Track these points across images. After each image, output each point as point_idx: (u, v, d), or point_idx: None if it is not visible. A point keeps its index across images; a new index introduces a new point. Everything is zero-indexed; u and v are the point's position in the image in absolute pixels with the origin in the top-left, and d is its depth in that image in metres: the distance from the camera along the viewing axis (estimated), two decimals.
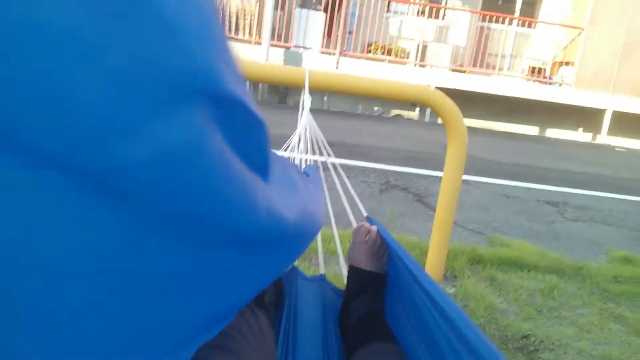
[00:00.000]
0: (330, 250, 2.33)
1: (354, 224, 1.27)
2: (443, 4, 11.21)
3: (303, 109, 1.70)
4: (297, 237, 0.56)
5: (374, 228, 1.18)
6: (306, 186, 0.61)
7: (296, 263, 1.39)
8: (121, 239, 0.33)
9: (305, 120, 1.64)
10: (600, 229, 3.66)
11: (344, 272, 1.37)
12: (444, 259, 2.37)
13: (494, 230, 3.29)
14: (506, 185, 4.69)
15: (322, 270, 1.37)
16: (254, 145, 0.39)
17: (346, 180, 1.56)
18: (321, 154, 1.57)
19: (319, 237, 1.50)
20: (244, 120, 0.37)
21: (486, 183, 4.64)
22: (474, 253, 2.64)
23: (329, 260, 2.31)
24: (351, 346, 1.07)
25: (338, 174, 1.57)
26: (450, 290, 2.30)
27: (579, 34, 10.17)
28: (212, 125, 0.33)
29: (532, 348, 1.92)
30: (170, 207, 0.33)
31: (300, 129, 1.61)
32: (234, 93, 0.34)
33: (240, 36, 9.41)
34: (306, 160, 1.60)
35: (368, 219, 1.24)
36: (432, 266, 2.36)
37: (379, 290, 1.16)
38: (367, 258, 1.17)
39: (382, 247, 1.18)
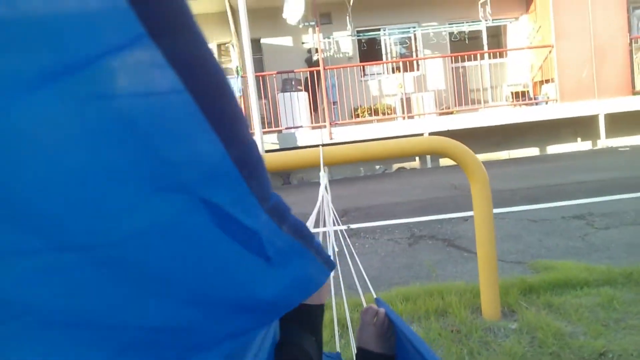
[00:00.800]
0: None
1: (364, 303, 1.31)
2: (414, 56, 11.64)
3: (322, 185, 1.78)
4: (274, 308, 0.61)
5: (382, 310, 1.21)
6: (312, 261, 0.64)
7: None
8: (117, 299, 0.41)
9: (323, 195, 1.70)
10: (634, 231, 3.66)
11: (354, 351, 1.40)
12: (497, 296, 2.37)
13: (534, 257, 3.29)
14: (528, 210, 4.72)
15: (337, 348, 1.39)
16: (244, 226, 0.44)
17: (353, 251, 1.60)
18: (339, 223, 1.63)
19: (334, 312, 1.53)
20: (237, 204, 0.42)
21: (509, 212, 4.67)
22: (524, 284, 2.63)
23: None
24: None
25: (356, 241, 1.61)
26: (513, 325, 2.28)
27: (550, 52, 10.51)
28: (200, 207, 0.39)
29: None
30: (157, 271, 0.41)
31: (319, 206, 1.67)
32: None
33: None
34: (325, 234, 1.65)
35: (376, 301, 1.28)
36: (488, 305, 2.36)
37: None
38: (375, 340, 1.18)
39: (390, 329, 1.20)
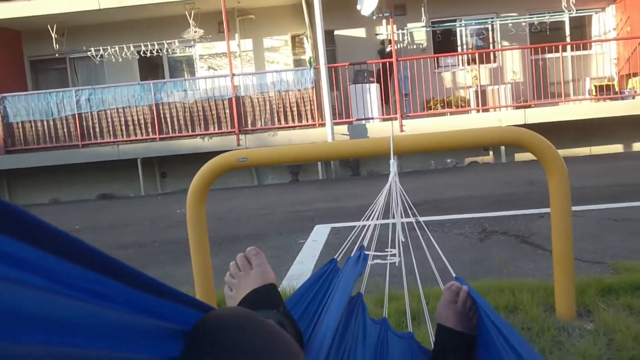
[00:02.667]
0: (418, 310, 2.30)
1: (441, 284, 1.28)
2: (491, 47, 11.29)
3: (392, 174, 1.77)
4: None
5: (465, 288, 1.18)
6: None
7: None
8: None
9: (393, 185, 1.69)
10: None
11: (430, 332, 1.37)
12: (572, 295, 2.28)
13: (614, 257, 3.13)
14: (610, 208, 4.48)
15: (410, 328, 1.38)
16: None
17: (432, 238, 1.57)
18: (407, 215, 1.61)
19: (405, 295, 1.51)
20: None
21: (588, 210, 4.45)
22: (602, 284, 2.52)
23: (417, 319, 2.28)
24: None
25: (424, 234, 1.59)
26: (589, 326, 2.19)
27: (639, 43, 9.87)
28: None
29: None
30: None
31: (385, 195, 1.67)
32: None
33: (303, 122, 9.84)
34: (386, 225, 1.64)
35: (456, 279, 1.25)
36: (562, 304, 2.28)
37: (468, 351, 1.15)
38: (456, 318, 1.17)
39: (472, 308, 1.17)
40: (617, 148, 10.01)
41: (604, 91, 10.07)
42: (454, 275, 1.30)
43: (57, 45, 10.55)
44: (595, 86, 10.27)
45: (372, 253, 1.56)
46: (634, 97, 9.87)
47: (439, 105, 10.23)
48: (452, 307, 1.18)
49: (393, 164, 1.93)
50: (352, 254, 1.43)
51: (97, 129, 10.04)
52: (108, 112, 9.98)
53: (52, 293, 0.42)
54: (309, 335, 1.14)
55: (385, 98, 10.01)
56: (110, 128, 10.02)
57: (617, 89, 10.28)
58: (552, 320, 2.26)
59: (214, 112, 9.92)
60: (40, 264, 0.40)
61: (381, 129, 9.41)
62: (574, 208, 4.47)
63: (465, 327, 1.17)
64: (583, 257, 3.22)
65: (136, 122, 9.98)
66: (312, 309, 1.25)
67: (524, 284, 2.62)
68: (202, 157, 2.37)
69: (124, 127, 10.01)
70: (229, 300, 1.10)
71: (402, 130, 9.42)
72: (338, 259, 1.41)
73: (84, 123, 10.04)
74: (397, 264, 1.69)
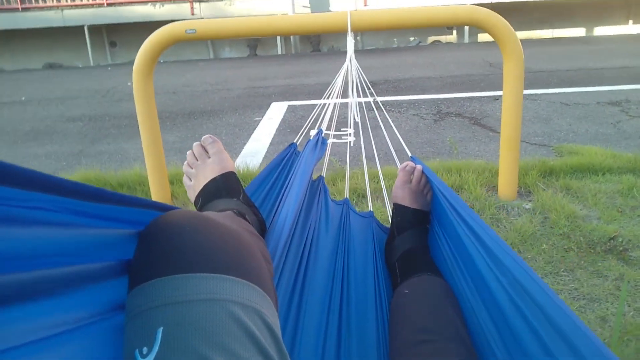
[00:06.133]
0: (376, 189, 2.35)
1: (398, 164, 1.29)
2: None
3: (349, 53, 1.70)
4: None
5: (419, 167, 1.20)
6: None
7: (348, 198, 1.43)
8: None
9: (350, 64, 1.64)
10: None
11: (388, 209, 1.41)
12: (515, 176, 2.36)
13: (560, 140, 3.23)
14: (563, 92, 4.54)
15: (370, 207, 1.41)
16: None
17: (389, 119, 1.55)
18: (366, 95, 1.58)
19: (365, 175, 1.53)
20: None
21: (542, 94, 4.51)
22: (544, 166, 2.61)
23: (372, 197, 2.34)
24: (397, 279, 1.12)
25: (382, 114, 1.57)
26: (527, 205, 2.30)
27: None
28: None
29: (621, 248, 1.92)
30: None
31: (342, 75, 1.62)
32: None
33: None
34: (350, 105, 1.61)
35: (412, 159, 1.26)
36: (505, 185, 2.37)
37: (423, 227, 1.20)
38: (411, 196, 1.19)
39: (427, 186, 1.20)
40: (580, 32, 9.97)
41: None
42: (409, 155, 1.31)
43: None
44: None
45: (332, 132, 1.55)
46: None
47: None
48: (406, 187, 1.20)
49: (350, 42, 1.86)
50: (311, 137, 1.41)
51: None
52: None
53: (6, 221, 0.40)
54: (272, 221, 1.13)
55: None
56: None
57: None
58: (494, 200, 2.36)
59: None
60: None
61: (344, 3, 9.00)
62: (530, 91, 4.55)
63: (421, 204, 1.20)
64: (531, 140, 3.30)
65: None
66: (273, 194, 1.25)
67: (471, 164, 2.69)
68: (154, 25, 2.22)
69: None
70: (188, 190, 1.07)
71: (365, 5, 9.04)
72: (298, 143, 1.38)
73: None
74: (352, 144, 1.69)
